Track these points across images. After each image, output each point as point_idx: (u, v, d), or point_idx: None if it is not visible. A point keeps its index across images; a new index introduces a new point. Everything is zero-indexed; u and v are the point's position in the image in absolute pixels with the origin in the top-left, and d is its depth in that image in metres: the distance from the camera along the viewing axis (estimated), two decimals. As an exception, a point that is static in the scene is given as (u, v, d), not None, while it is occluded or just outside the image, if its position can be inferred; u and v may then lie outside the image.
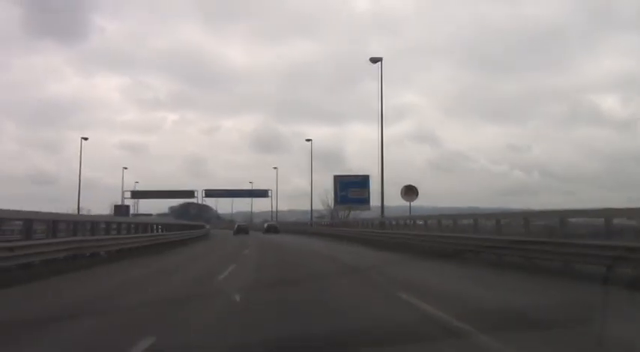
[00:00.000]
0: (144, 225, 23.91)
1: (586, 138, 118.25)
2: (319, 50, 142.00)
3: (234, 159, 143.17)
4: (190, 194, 79.36)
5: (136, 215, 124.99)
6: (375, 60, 27.84)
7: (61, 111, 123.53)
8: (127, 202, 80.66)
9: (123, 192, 73.94)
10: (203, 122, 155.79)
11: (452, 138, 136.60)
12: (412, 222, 20.52)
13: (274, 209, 74.33)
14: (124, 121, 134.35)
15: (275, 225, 53.24)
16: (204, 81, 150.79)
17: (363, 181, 43.03)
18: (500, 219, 14.66)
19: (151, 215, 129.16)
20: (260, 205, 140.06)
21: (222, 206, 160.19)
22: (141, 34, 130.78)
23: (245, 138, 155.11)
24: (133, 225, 22.20)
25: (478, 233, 14.25)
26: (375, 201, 43.69)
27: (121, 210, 73.41)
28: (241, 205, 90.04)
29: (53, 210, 18.73)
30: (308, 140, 50.76)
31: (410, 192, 26.56)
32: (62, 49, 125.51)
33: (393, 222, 23.60)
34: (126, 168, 74.72)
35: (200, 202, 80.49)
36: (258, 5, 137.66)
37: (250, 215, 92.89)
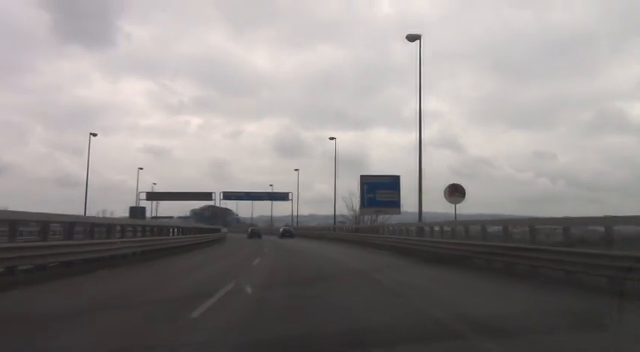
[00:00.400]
0: (159, 228, 22.43)
1: (613, 145, 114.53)
2: (343, 55, 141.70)
3: (256, 163, 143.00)
4: (208, 196, 76.47)
5: (156, 217, 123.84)
6: (412, 38, 23.84)
7: (87, 114, 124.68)
8: (147, 204, 78.56)
9: (138, 194, 71.48)
10: (227, 127, 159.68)
11: (476, 144, 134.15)
12: (464, 228, 16.21)
13: (295, 213, 71.68)
14: (149, 125, 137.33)
15: (290, 230, 53.79)
16: (229, 86, 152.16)
17: (392, 182, 38.81)
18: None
19: (171, 217, 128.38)
20: (281, 209, 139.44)
21: (244, 209, 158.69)
22: (166, 39, 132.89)
23: (268, 143, 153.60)
24: (147, 228, 20.55)
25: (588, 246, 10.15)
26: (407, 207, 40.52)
27: (136, 212, 70.30)
28: (263, 209, 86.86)
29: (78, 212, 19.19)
30: (332, 138, 47.83)
31: (455, 192, 22.23)
32: (90, 54, 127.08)
33: (436, 229, 19.34)
34: (141, 169, 72.54)
35: (218, 204, 77.37)
36: (283, 11, 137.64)
37: (270, 219, 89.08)
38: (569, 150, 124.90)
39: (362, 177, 39.76)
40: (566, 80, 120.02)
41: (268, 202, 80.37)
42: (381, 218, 44.00)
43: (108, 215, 66.59)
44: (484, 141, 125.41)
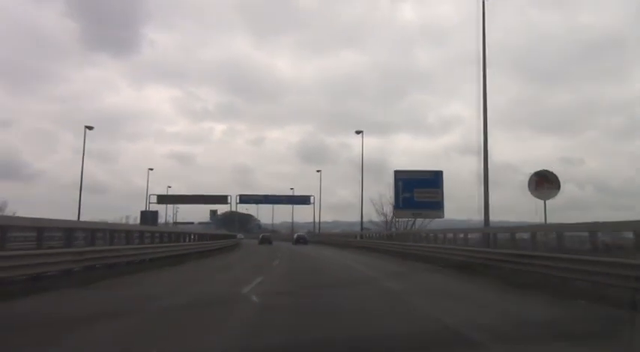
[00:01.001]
0: (168, 234, 22.04)
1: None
2: (366, 61, 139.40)
3: (279, 170, 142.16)
4: (223, 199, 70.09)
5: (177, 223, 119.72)
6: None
7: (114, 121, 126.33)
8: (162, 208, 74.79)
9: (148, 197, 65.09)
10: (250, 133, 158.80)
11: (500, 150, 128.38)
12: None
13: (317, 219, 65.56)
14: (174, 132, 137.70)
15: (304, 236, 54.18)
16: (252, 92, 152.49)
17: (434, 179, 31.98)
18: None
19: (192, 223, 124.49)
20: (304, 215, 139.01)
21: (267, 215, 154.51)
22: (190, 46, 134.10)
23: (291, 150, 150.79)
24: (157, 235, 20.38)
25: None
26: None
27: (146, 216, 64.12)
28: (285, 215, 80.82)
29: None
30: (358, 132, 42.08)
31: (545, 182, 15.46)
32: (116, 62, 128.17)
33: (524, 236, 12.68)
34: (151, 170, 66.21)
35: (234, 208, 71.54)
36: (306, 17, 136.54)
37: (291, 225, 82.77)
38: (597, 156, 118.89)
39: (396, 172, 32.90)
40: (595, 84, 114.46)
41: (291, 208, 75.77)
42: (419, 223, 37.68)
43: (131, 221, 65.12)
44: (509, 147, 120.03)
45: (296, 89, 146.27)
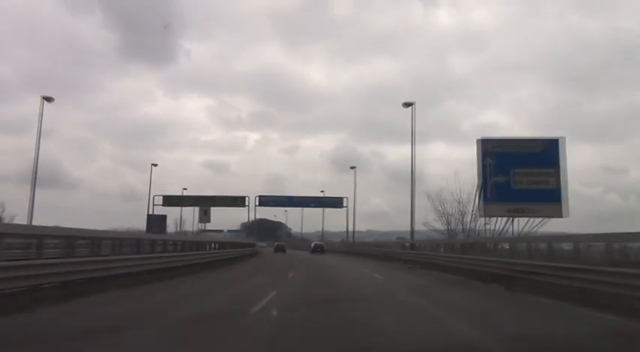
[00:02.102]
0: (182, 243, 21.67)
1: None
2: (399, 68, 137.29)
3: (312, 178, 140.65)
4: (241, 201, 58.03)
5: (204, 231, 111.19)
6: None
7: (151, 131, 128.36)
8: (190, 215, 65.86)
9: (152, 198, 53.82)
10: (283, 141, 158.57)
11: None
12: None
13: (351, 225, 55.32)
14: (209, 141, 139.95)
15: (321, 245, 52.87)
16: (285, 101, 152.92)
17: (546, 153, 19.62)
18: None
19: (221, 231, 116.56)
20: (337, 223, 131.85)
21: (299, 222, 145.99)
22: (225, 55, 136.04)
23: (324, 158, 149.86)
24: (171, 243, 20.56)
25: None
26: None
27: (152, 222, 52.25)
28: (318, 223, 69.59)
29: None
30: (407, 104, 31.50)
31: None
32: (152, 72, 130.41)
33: None
34: (155, 165, 54.22)
35: (253, 211, 58.45)
36: (338, 25, 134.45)
37: (322, 232, 71.17)
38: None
39: (483, 142, 20.77)
40: (638, 90, 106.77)
41: (322, 215, 66.61)
42: (514, 225, 24.97)
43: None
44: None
45: (329, 97, 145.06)
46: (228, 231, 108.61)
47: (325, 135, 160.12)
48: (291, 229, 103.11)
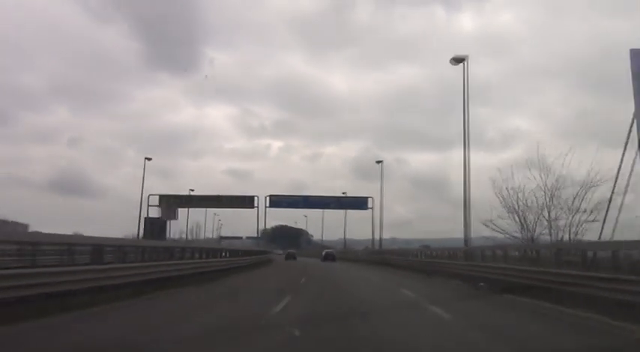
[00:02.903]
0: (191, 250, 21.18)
1: None
2: (423, 74, 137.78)
3: (335, 185, 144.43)
4: (249, 201, 53.04)
5: (223, 238, 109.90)
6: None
7: (175, 139, 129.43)
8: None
9: (147, 198, 47.75)
10: (306, 149, 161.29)
11: (567, 165, 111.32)
12: None
13: (377, 232, 50.48)
14: (233, 149, 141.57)
15: (332, 253, 52.83)
16: (308, 108, 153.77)
17: None
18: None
19: (240, 238, 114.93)
20: (360, 230, 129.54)
21: (325, 230, 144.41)
22: (248, 63, 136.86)
23: (347, 166, 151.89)
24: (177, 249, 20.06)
25: None
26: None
27: (153, 226, 47.04)
28: (341, 230, 66.31)
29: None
30: (458, 60, 24.41)
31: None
32: (177, 81, 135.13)
33: None
34: (149, 159, 45.92)
35: (262, 212, 52.21)
36: (360, 32, 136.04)
37: (344, 238, 68.39)
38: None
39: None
40: None
41: (347, 221, 62.03)
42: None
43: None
44: (576, 162, 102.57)
45: (351, 104, 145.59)
46: (247, 237, 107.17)
47: (348, 142, 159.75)
48: (312, 236, 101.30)
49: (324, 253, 52.65)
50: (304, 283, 17.46)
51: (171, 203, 50.35)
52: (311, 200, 54.54)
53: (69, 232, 31.83)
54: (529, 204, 22.87)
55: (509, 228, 23.17)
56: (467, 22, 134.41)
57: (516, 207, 23.09)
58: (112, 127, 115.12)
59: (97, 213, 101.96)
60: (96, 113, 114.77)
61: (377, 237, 49.34)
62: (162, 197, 50.14)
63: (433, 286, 17.20)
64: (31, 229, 51.56)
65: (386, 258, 36.36)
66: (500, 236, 23.09)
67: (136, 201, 46.88)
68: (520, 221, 23.10)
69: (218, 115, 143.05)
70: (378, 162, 46.87)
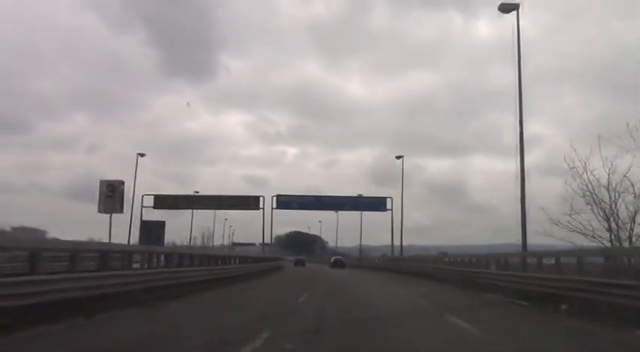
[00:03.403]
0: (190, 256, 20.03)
1: None
2: (439, 80, 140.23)
3: (351, 191, 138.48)
4: (254, 202, 47.17)
5: (236, 244, 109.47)
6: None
7: (191, 146, 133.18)
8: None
9: (141, 198, 44.22)
10: (322, 155, 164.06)
11: (589, 170, 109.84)
12: None
13: (396, 239, 46.40)
14: (248, 155, 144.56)
15: (341, 260, 51.97)
16: (324, 115, 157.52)
17: None
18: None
19: (253, 244, 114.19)
20: (378, 236, 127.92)
21: (340, 236, 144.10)
22: (263, 70, 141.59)
23: (363, 172, 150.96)
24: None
25: None
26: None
27: (150, 231, 43.22)
28: (357, 237, 65.26)
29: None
30: (508, 9, 19.53)
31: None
32: (192, 88, 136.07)
33: None
34: (142, 156, 42.74)
35: (269, 213, 46.66)
36: (376, 38, 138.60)
37: (359, 245, 67.54)
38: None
39: None
40: None
41: (363, 226, 60.05)
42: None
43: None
44: (599, 167, 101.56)
45: (367, 110, 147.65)
46: (260, 244, 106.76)
47: (363, 148, 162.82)
48: (327, 242, 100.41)
49: (332, 260, 52.24)
50: (304, 301, 13.02)
51: (114, 193, 40.83)
52: (324, 200, 50.55)
53: (84, 238, 32.75)
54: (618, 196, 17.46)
55: (584, 228, 18.14)
56: (483, 27, 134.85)
57: (602, 200, 17.65)
58: (129, 134, 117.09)
59: (114, 218, 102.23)
60: (113, 120, 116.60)
61: (396, 243, 44.79)
62: (157, 197, 46.65)
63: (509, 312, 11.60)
64: (49, 235, 52.24)
65: (408, 266, 33.07)
66: (560, 243, 18.50)
67: (148, 208, 45.67)
68: (608, 218, 17.80)
69: (234, 122, 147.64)
70: (398, 157, 43.30)
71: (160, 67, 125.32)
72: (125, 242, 36.63)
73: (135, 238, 41.65)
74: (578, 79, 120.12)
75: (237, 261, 27.59)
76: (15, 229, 54.87)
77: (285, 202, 47.49)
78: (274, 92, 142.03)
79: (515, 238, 18.33)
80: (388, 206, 46.85)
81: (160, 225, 46.18)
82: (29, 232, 53.92)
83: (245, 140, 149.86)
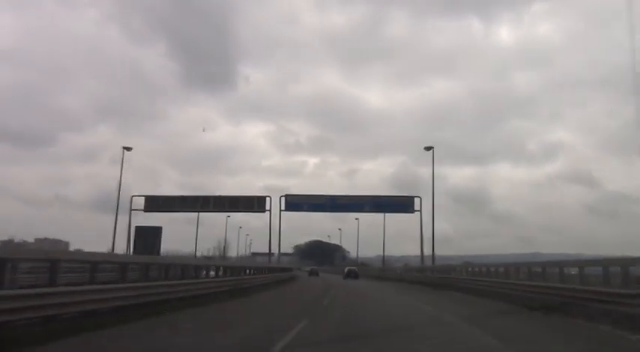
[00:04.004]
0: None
1: None
2: (460, 88, 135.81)
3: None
4: (260, 204, 42.71)
5: (256, 254, 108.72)
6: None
7: (213, 157, 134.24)
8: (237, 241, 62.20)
9: (130, 200, 40.95)
10: (342, 165, 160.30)
11: (613, 178, 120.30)
12: None
13: (422, 245, 43.11)
14: (269, 166, 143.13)
15: (354, 270, 50.27)
16: (344, 124, 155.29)
17: None
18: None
19: (273, 254, 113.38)
20: (400, 245, 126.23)
21: (362, 246, 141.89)
22: (283, 81, 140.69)
23: (384, 181, 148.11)
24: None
25: None
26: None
27: (144, 238, 39.32)
28: (379, 247, 63.58)
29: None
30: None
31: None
32: (213, 99, 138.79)
33: None
34: (129, 149, 38.90)
35: (278, 216, 43.46)
36: (396, 47, 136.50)
37: (382, 256, 65.98)
38: None
39: None
40: None
41: (390, 240, 58.37)
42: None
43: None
44: (623, 175, 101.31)
45: (388, 120, 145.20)
46: (281, 254, 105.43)
47: (384, 158, 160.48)
48: (348, 252, 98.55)
49: (346, 270, 51.22)
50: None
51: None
52: (339, 202, 43.82)
53: (104, 249, 32.47)
54: None
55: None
56: (505, 33, 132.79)
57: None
58: (151, 146, 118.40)
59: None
60: (136, 133, 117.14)
61: (422, 252, 41.43)
62: (149, 198, 42.70)
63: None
64: (72, 247, 52.76)
65: (447, 280, 26.93)
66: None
67: (176, 219, 45.43)
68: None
69: (254, 132, 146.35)
70: (428, 148, 38.33)
71: (181, 79, 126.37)
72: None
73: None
74: (605, 85, 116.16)
75: (252, 271, 27.59)
76: (39, 240, 55.90)
77: (296, 203, 42.10)
78: (294, 102, 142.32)
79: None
80: (416, 207, 40.49)
81: (156, 232, 41.09)
82: (52, 243, 54.85)
83: (265, 150, 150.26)
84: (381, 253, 61.87)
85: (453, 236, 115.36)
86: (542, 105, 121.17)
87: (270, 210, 42.33)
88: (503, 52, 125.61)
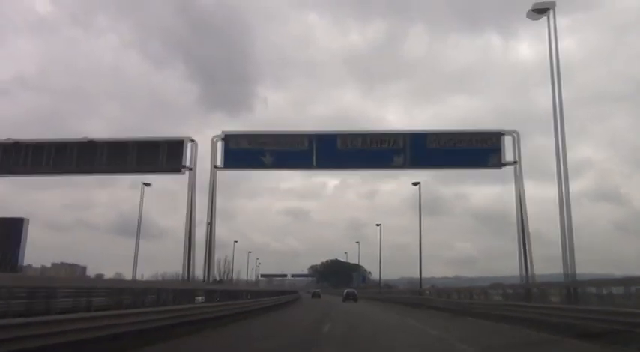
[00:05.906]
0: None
1: None
2: (479, 105, 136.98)
3: (393, 222, 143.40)
4: (173, 149, 26.90)
5: (265, 276, 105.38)
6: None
7: (232, 180, 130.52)
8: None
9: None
10: (362, 186, 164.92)
11: None
12: None
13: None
14: (288, 188, 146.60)
15: (354, 292, 51.61)
16: None
17: None
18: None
19: (285, 276, 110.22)
20: (429, 268, 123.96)
21: (386, 269, 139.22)
22: (301, 101, 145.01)
23: (405, 202, 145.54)
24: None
25: None
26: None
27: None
28: (406, 269, 61.77)
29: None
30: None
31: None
32: (231, 120, 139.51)
33: None
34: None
35: (210, 175, 33.82)
36: (413, 65, 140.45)
37: (405, 278, 63.24)
38: None
39: None
40: None
41: (411, 258, 57.15)
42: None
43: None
44: None
45: None
46: (293, 275, 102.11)
47: (406, 178, 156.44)
48: (370, 273, 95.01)
49: (345, 292, 52.16)
50: None
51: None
52: (341, 148, 24.97)
53: (125, 272, 32.38)
54: None
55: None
56: (524, 49, 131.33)
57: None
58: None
59: (156, 252, 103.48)
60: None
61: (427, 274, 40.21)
62: None
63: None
64: (89, 271, 52.53)
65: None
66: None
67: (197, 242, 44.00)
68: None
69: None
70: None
71: (200, 101, 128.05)
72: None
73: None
74: (630, 99, 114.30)
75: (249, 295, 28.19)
76: (55, 265, 55.83)
77: (244, 151, 23.98)
78: (312, 122, 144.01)
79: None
80: (508, 156, 24.27)
81: (17, 222, 32.94)
82: (69, 268, 54.67)
83: (285, 173, 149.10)
84: (405, 275, 62.33)
85: (477, 257, 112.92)
86: (567, 121, 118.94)
87: (189, 167, 24.89)
88: (523, 67, 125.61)
